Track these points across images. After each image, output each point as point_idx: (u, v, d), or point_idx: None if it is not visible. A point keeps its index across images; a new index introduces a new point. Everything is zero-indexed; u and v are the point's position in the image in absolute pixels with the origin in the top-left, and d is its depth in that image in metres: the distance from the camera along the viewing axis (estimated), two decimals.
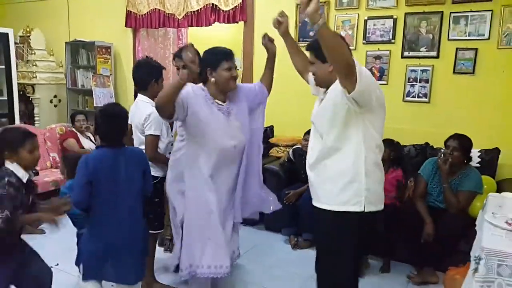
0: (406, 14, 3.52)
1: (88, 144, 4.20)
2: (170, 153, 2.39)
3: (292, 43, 2.19)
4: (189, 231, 2.10)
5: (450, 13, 3.35)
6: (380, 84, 3.59)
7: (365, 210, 1.75)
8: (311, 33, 3.88)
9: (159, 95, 1.84)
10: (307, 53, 1.87)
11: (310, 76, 1.94)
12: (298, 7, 4.01)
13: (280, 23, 2.07)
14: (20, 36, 5.54)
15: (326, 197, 1.82)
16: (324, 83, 1.84)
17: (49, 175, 3.97)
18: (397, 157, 3.09)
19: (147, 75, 2.43)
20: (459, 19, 3.33)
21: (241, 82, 4.50)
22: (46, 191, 3.74)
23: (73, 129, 4.23)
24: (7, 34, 4.63)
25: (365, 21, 3.69)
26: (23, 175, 1.87)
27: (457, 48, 3.35)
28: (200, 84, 2.09)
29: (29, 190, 1.93)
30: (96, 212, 1.90)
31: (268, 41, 2.16)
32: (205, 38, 5.50)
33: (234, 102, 2.14)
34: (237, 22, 4.28)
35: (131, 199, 1.94)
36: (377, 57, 3.67)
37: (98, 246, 1.89)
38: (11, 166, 1.86)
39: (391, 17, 3.58)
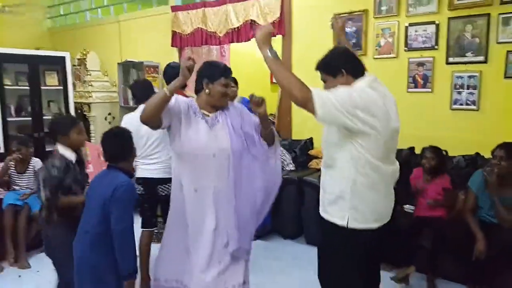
0: (449, 18, 3.38)
1: None
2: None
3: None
4: (163, 243, 2.10)
5: (499, 14, 3.18)
6: (424, 92, 3.52)
7: (348, 226, 1.75)
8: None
9: (145, 107, 1.82)
10: (319, 74, 1.87)
11: None
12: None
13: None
14: (78, 59, 6.03)
15: (321, 203, 1.89)
16: None
17: None
18: (440, 165, 2.97)
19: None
20: (509, 20, 3.13)
21: (279, 95, 4.53)
22: None
23: None
24: (64, 58, 5.10)
25: (406, 28, 3.60)
26: (71, 155, 2.24)
27: (507, 51, 3.16)
28: (189, 98, 2.11)
29: (81, 167, 2.35)
30: None
31: (253, 103, 1.93)
32: (245, 53, 5.62)
33: (226, 112, 2.02)
34: (275, 36, 4.31)
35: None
36: (420, 64, 3.54)
37: None
38: (61, 149, 2.23)
39: (433, 22, 3.46)
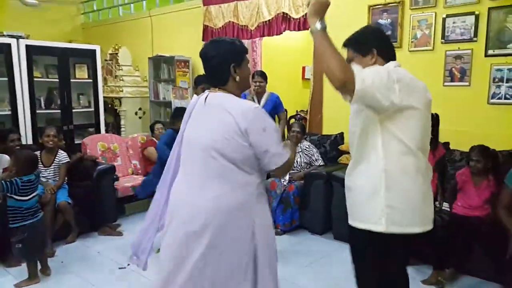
0: (489, 9, 3.43)
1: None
2: None
3: None
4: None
5: None
6: (461, 86, 3.56)
7: (387, 231, 1.62)
8: None
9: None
10: (344, 51, 1.79)
11: None
12: (370, 9, 4.07)
13: None
14: (110, 54, 6.40)
15: (350, 211, 1.80)
16: None
17: (130, 181, 4.42)
18: (493, 167, 2.99)
19: None
20: None
21: (311, 90, 4.65)
22: (126, 196, 4.27)
23: (153, 138, 4.72)
24: (94, 51, 5.38)
25: (443, 19, 3.67)
26: None
27: None
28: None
29: None
30: None
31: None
32: (277, 47, 5.78)
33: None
34: (307, 29, 4.45)
35: None
36: (458, 57, 3.60)
37: None
38: None
39: (472, 13, 3.51)
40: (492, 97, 3.46)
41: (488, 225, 2.84)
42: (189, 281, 1.62)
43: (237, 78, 1.70)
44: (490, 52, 3.44)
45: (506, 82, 3.38)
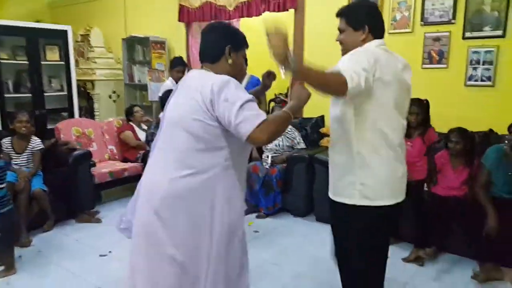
0: None
1: (144, 136, 4.57)
2: None
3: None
4: None
5: None
6: (440, 68, 3.62)
7: (359, 204, 1.71)
8: None
9: (275, 131, 1.54)
10: (338, 20, 1.80)
11: None
12: None
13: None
14: (81, 35, 6.17)
15: (329, 185, 1.88)
16: None
17: (106, 167, 4.30)
18: (470, 150, 3.06)
19: None
20: None
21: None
22: (103, 182, 4.16)
23: (130, 122, 4.62)
24: (66, 31, 5.17)
25: (423, 1, 3.71)
26: None
27: None
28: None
29: None
30: None
31: (267, 77, 1.97)
32: (256, 29, 5.69)
33: None
34: (288, 10, 4.41)
35: None
36: (436, 39, 3.66)
37: None
38: None
39: None
40: (469, 79, 3.55)
41: (466, 205, 2.94)
42: (148, 262, 1.62)
43: (230, 60, 1.68)
44: (467, 34, 3.51)
45: (483, 65, 3.47)
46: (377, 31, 1.75)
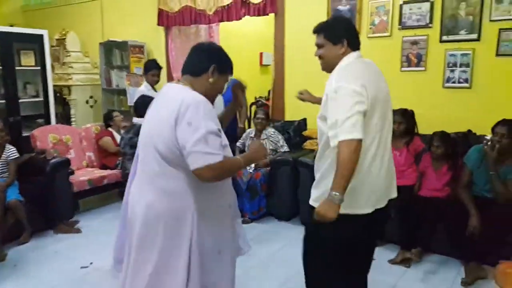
0: None
1: None
2: None
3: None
4: None
5: None
6: (418, 71, 3.71)
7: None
8: None
9: (222, 174, 1.58)
10: (315, 36, 1.87)
11: None
12: None
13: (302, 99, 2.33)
14: (57, 39, 6.02)
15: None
16: (332, 67, 1.82)
17: (85, 174, 4.21)
18: (452, 153, 3.14)
19: None
20: None
21: (273, 76, 4.65)
22: (82, 190, 4.05)
23: (109, 128, 4.53)
24: (42, 36, 5.03)
25: (401, 6, 3.77)
26: None
27: (500, 29, 3.37)
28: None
29: None
30: None
31: (238, 89, 1.94)
32: (235, 33, 5.70)
33: None
34: (268, 15, 4.43)
35: None
36: (414, 43, 3.73)
37: None
38: None
39: (427, 0, 3.61)
40: (447, 81, 3.63)
41: (448, 206, 3.00)
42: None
43: (211, 79, 1.67)
44: (444, 38, 3.60)
45: (460, 67, 3.56)
46: (354, 44, 1.83)
